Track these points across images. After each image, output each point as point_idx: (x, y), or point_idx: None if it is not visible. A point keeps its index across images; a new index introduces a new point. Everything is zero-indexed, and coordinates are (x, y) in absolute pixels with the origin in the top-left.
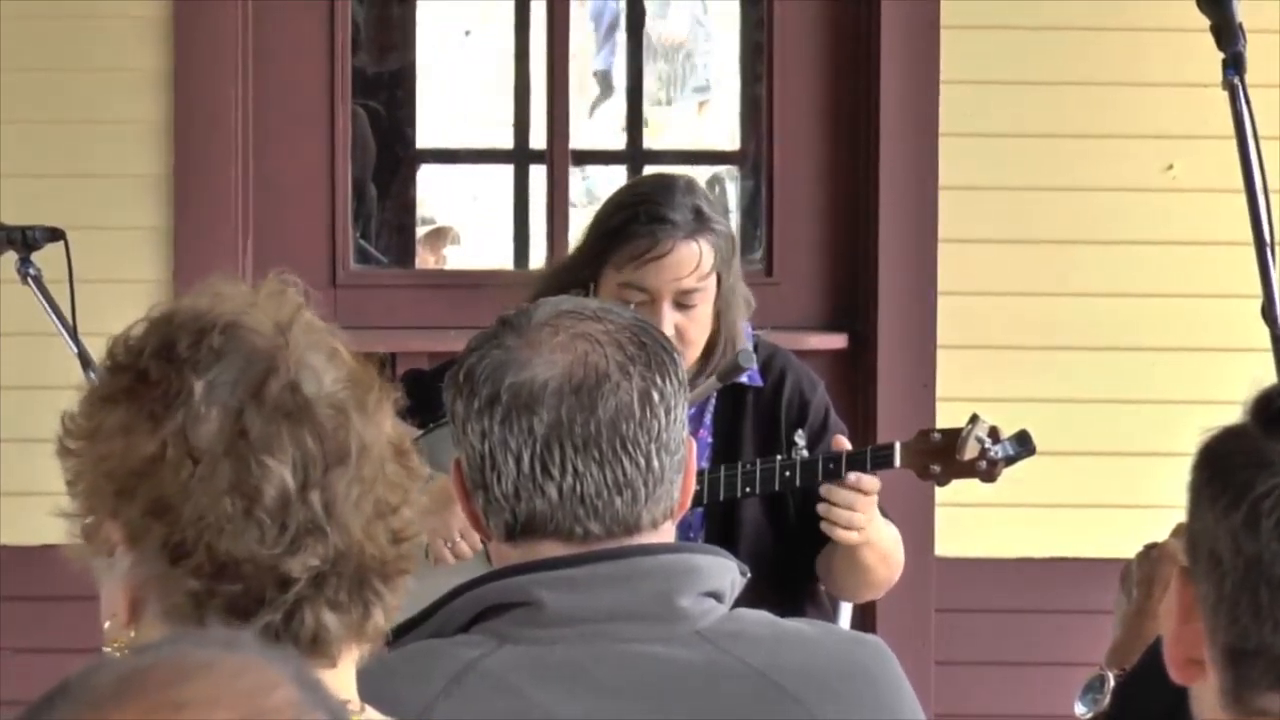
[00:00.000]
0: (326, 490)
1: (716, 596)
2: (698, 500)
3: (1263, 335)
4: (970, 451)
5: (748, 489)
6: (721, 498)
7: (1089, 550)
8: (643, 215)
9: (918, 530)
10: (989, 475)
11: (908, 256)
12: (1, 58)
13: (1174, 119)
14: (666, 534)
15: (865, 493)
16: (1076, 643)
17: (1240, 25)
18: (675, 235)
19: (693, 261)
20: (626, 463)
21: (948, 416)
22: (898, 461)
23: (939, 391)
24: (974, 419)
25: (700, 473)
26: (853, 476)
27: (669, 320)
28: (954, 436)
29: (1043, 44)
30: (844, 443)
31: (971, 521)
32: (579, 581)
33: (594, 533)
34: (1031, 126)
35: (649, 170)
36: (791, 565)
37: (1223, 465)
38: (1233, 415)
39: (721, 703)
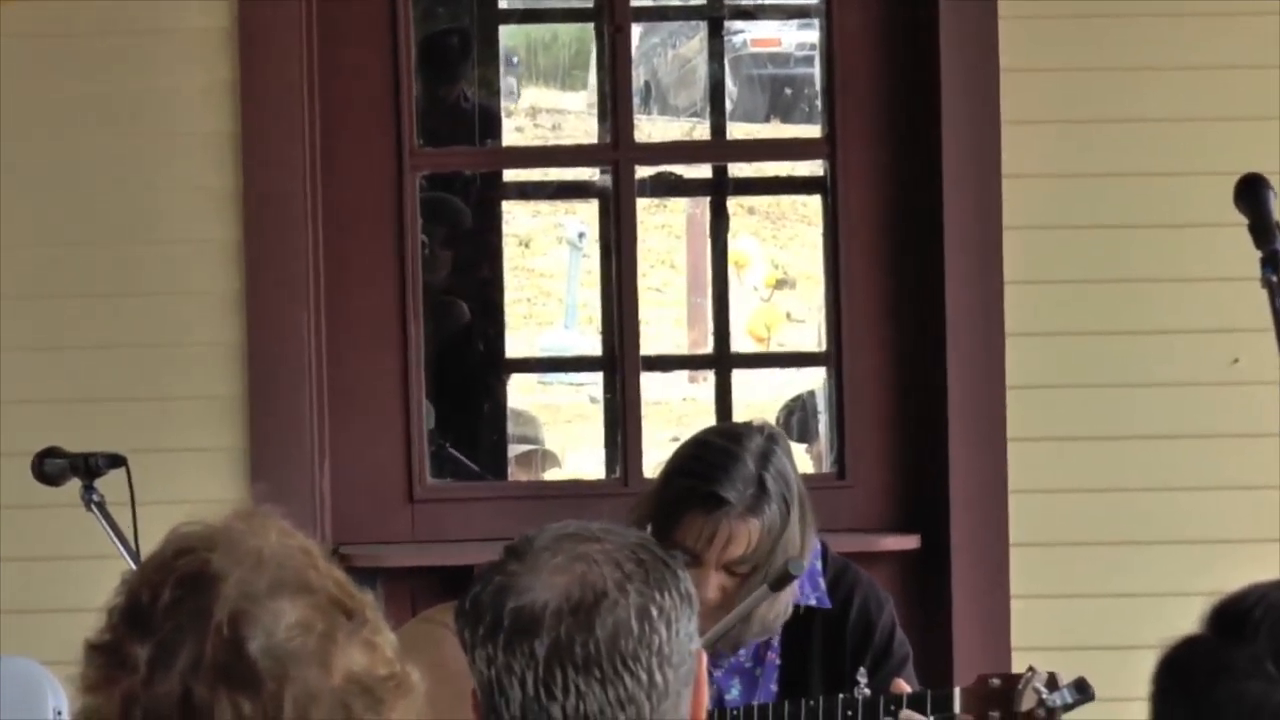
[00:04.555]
0: None
1: None
2: None
3: None
4: (1028, 701)
5: None
6: None
7: None
8: (699, 492)
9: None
10: None
11: (978, 455)
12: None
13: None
14: None
15: None
16: None
17: (1277, 223)
18: (729, 515)
19: (742, 542)
20: (628, 679)
21: (1022, 617)
22: (957, 707)
23: (1013, 589)
24: (1031, 670)
25: (766, 706)
26: (906, 713)
27: (714, 584)
28: (1012, 683)
29: (1104, 239)
30: (903, 685)
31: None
32: None
33: None
34: (1095, 324)
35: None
36: None
37: (1183, 674)
38: None
39: None
